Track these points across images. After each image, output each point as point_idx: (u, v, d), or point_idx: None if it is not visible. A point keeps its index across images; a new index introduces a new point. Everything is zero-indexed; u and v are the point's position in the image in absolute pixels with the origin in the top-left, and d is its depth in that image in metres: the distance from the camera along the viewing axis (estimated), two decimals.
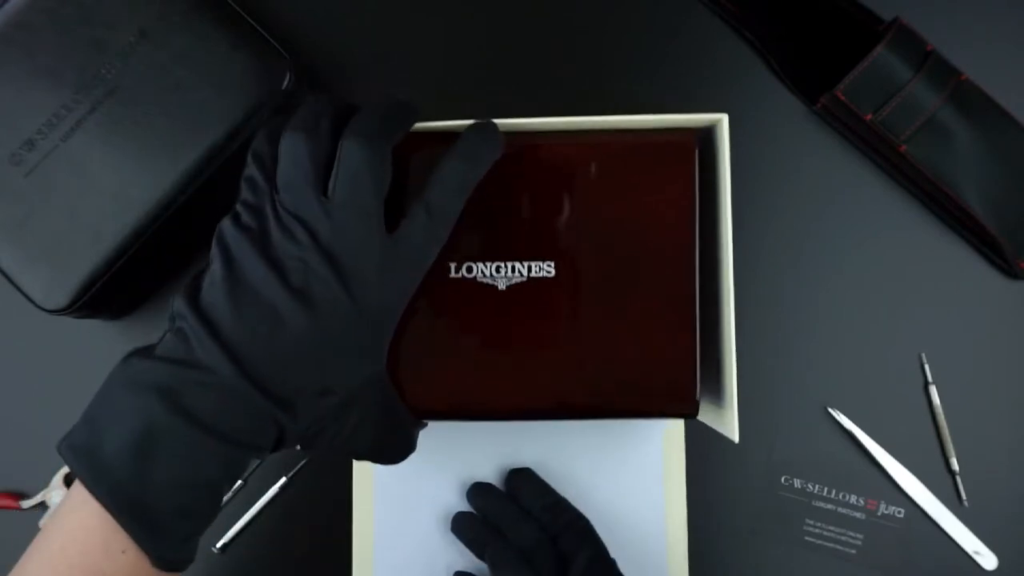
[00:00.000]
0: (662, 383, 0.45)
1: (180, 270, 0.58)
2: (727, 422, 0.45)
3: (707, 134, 0.47)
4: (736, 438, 0.43)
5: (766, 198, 0.59)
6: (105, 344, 0.58)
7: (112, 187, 0.51)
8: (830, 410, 0.57)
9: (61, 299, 0.51)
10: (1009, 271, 0.58)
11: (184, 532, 0.37)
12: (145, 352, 0.38)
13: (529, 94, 0.60)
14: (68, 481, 0.56)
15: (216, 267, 0.38)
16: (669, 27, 0.61)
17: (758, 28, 0.60)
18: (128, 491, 0.35)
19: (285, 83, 0.53)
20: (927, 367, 0.57)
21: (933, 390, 0.57)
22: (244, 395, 0.36)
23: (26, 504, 0.56)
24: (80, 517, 0.36)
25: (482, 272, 0.45)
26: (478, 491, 0.56)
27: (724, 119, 0.44)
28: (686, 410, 0.46)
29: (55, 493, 0.56)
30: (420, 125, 0.44)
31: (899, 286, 0.58)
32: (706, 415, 0.48)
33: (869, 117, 0.56)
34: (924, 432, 0.57)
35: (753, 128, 0.59)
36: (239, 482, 0.57)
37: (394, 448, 0.44)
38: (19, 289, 0.51)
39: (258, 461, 0.56)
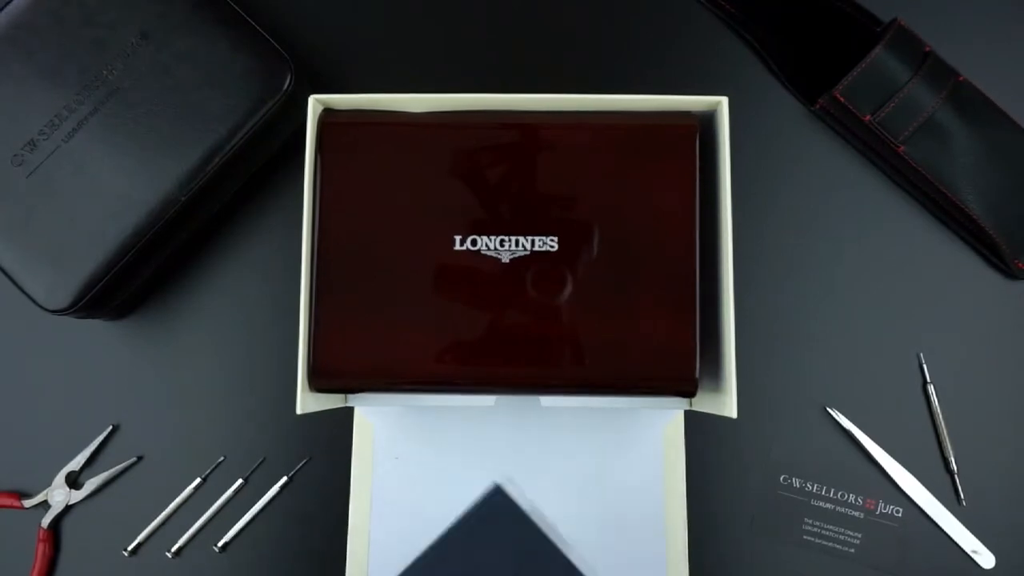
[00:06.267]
0: (662, 359, 0.46)
1: (181, 270, 0.59)
2: (725, 402, 0.45)
3: (707, 122, 0.48)
4: (734, 414, 0.44)
5: (764, 198, 0.59)
6: (105, 344, 0.58)
7: (114, 187, 0.52)
8: (829, 410, 0.57)
9: (63, 299, 0.51)
10: (1007, 271, 0.58)
11: None
12: None
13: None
14: (70, 480, 0.57)
15: None
16: (668, 28, 0.61)
17: (757, 29, 0.60)
18: None
19: (285, 83, 0.53)
20: (925, 367, 0.57)
21: (931, 390, 0.57)
22: None
23: (28, 503, 0.56)
24: None
25: (486, 245, 0.46)
26: None
27: (724, 101, 0.46)
28: (685, 386, 0.46)
29: (57, 492, 0.56)
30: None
31: (897, 286, 0.58)
32: (704, 402, 0.48)
33: (868, 118, 0.56)
34: (922, 432, 0.57)
35: (752, 129, 0.59)
36: (240, 480, 0.57)
37: None
38: (21, 289, 0.51)
39: None
